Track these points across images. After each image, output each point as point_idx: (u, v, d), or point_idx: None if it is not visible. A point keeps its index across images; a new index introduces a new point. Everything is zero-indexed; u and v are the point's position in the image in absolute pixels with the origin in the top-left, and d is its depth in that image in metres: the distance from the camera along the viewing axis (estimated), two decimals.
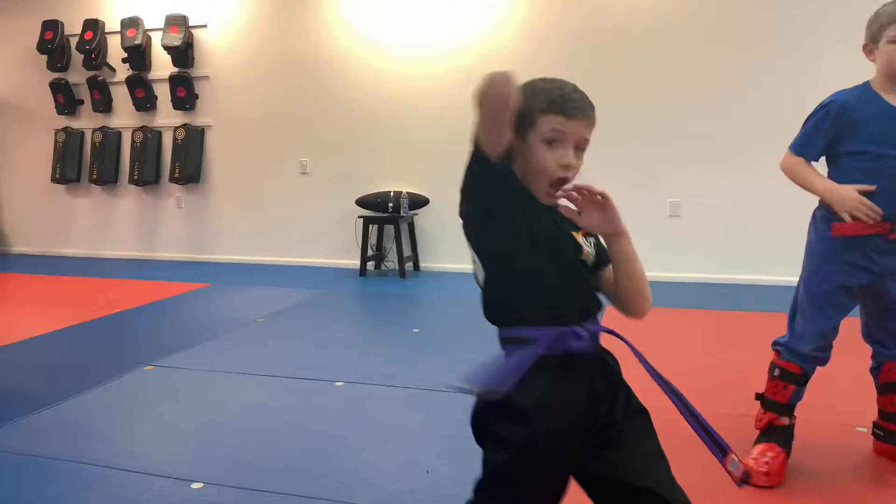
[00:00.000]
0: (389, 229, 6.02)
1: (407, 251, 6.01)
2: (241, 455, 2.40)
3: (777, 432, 2.18)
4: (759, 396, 2.25)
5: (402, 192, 5.87)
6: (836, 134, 2.05)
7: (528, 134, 1.25)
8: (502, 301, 1.26)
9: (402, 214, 5.84)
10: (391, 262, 6.06)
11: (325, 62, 6.05)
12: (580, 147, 1.27)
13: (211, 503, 2.07)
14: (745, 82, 5.16)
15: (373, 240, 6.07)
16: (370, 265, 6.04)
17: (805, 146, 2.11)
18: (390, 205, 5.86)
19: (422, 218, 6.05)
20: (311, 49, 6.08)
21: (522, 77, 1.26)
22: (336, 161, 6.16)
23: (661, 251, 5.39)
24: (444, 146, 5.87)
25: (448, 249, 5.99)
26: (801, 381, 2.17)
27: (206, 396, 3.01)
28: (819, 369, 2.21)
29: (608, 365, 1.26)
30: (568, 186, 1.24)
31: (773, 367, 2.21)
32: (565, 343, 1.19)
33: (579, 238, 1.29)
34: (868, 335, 2.23)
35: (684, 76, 5.28)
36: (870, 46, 2.05)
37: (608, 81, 5.37)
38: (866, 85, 2.07)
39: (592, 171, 1.39)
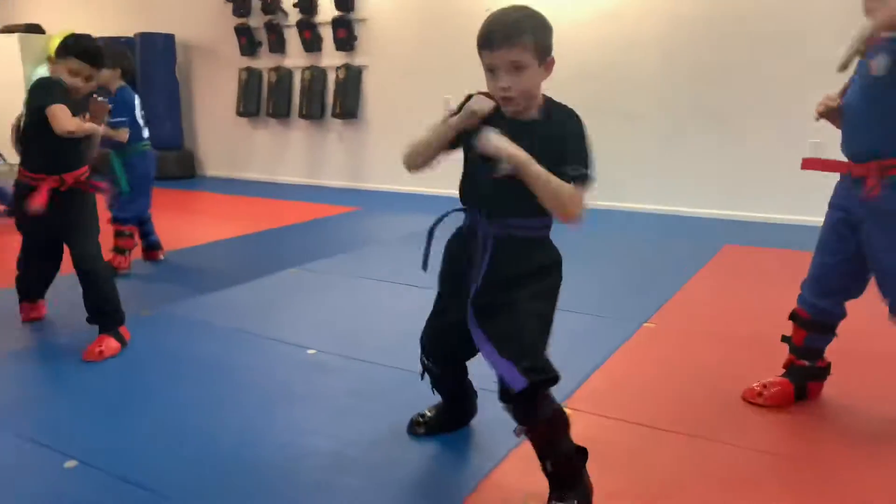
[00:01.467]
0: None
1: None
2: (350, 335, 2.99)
3: (793, 371, 2.30)
4: (783, 338, 2.33)
5: None
6: None
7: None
8: None
9: None
10: None
11: (468, 6, 6.40)
12: (517, 67, 1.59)
13: (319, 363, 2.68)
14: None
15: None
16: None
17: None
18: None
19: None
20: None
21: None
22: None
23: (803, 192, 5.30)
24: (574, 83, 6.05)
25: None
26: (812, 327, 2.22)
27: (333, 293, 3.64)
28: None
29: (488, 244, 1.70)
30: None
31: (792, 310, 2.29)
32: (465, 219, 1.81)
33: None
34: None
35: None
36: None
37: (747, 23, 5.29)
38: None
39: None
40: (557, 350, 2.68)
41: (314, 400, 2.37)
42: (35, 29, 9.08)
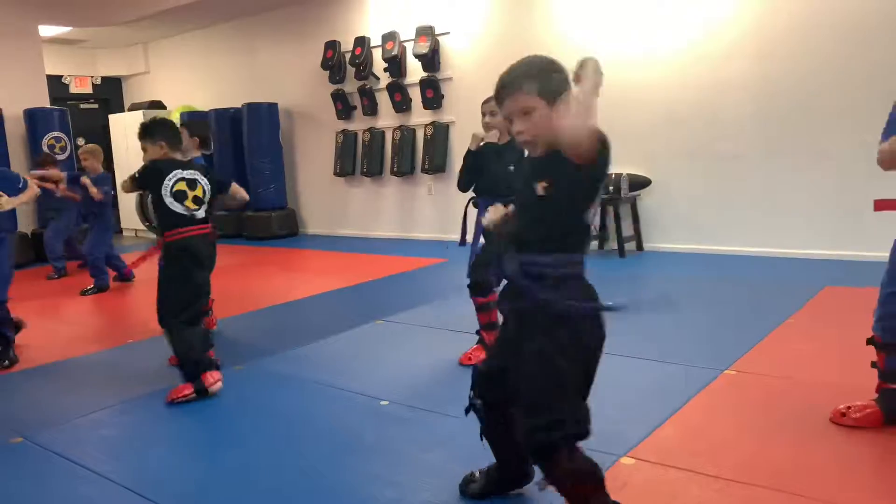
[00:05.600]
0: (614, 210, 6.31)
1: (630, 231, 6.25)
2: (423, 385, 3.07)
3: (882, 395, 2.35)
4: (873, 364, 2.38)
5: (621, 174, 6.11)
6: None
7: None
8: None
9: (621, 196, 6.10)
10: (615, 243, 6.34)
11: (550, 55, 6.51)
12: (525, 112, 1.72)
13: (389, 414, 2.76)
14: None
15: (596, 221, 6.42)
16: (593, 245, 6.39)
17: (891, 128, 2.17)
18: (610, 187, 6.15)
19: (646, 198, 6.24)
20: (538, 46, 6.54)
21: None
22: None
23: None
24: (664, 127, 6.01)
25: (672, 229, 6.11)
26: (882, 348, 2.29)
27: (412, 344, 3.75)
28: None
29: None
30: None
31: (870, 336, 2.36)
32: None
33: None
34: None
35: None
36: None
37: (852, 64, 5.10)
38: None
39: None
40: (629, 399, 2.67)
41: (381, 449, 2.44)
42: (157, 105, 10.01)
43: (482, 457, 2.18)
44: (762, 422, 2.48)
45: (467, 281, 3.28)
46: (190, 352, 3.05)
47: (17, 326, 4.02)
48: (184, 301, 3.10)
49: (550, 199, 1.70)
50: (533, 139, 1.73)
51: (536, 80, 1.73)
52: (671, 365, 3.12)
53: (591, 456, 1.75)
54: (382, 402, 2.88)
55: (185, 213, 3.11)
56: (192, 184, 3.15)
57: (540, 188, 1.70)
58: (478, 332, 3.38)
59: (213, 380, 3.06)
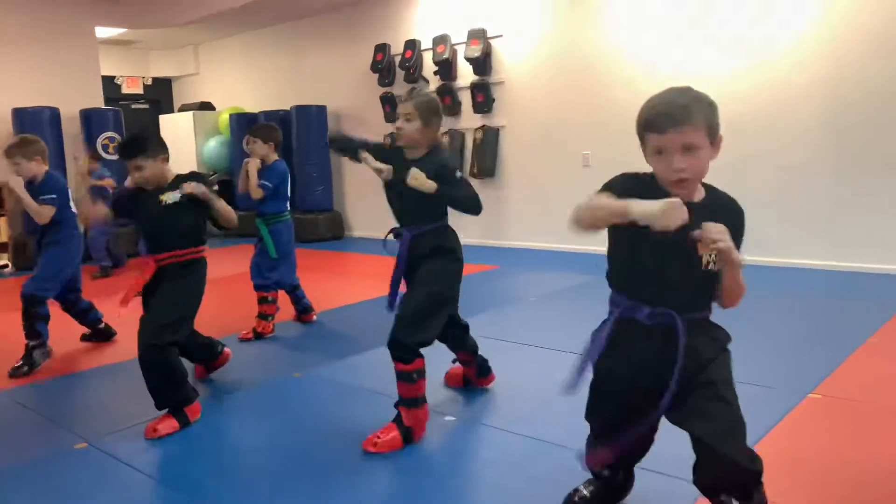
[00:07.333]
0: None
1: None
2: (486, 400, 2.98)
3: None
4: None
5: None
6: None
7: (645, 149, 1.59)
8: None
9: None
10: None
11: (604, 63, 6.37)
12: (690, 148, 1.52)
13: (456, 431, 2.67)
14: None
15: None
16: None
17: None
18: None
19: None
20: (591, 52, 6.45)
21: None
22: (614, 154, 6.41)
23: None
24: (725, 136, 5.80)
25: None
26: None
27: None
28: None
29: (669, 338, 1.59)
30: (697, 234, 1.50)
31: None
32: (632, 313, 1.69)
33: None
34: None
35: None
36: None
37: None
38: None
39: None
40: None
41: (451, 470, 2.35)
42: (207, 106, 10.11)
43: (560, 480, 2.08)
44: (856, 454, 2.32)
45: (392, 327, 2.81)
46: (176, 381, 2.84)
47: (108, 334, 4.21)
48: None
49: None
50: (690, 180, 1.56)
51: (705, 115, 1.54)
52: (750, 386, 2.93)
53: (671, 486, 1.66)
54: (448, 418, 2.79)
55: None
56: None
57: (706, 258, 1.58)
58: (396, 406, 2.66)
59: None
